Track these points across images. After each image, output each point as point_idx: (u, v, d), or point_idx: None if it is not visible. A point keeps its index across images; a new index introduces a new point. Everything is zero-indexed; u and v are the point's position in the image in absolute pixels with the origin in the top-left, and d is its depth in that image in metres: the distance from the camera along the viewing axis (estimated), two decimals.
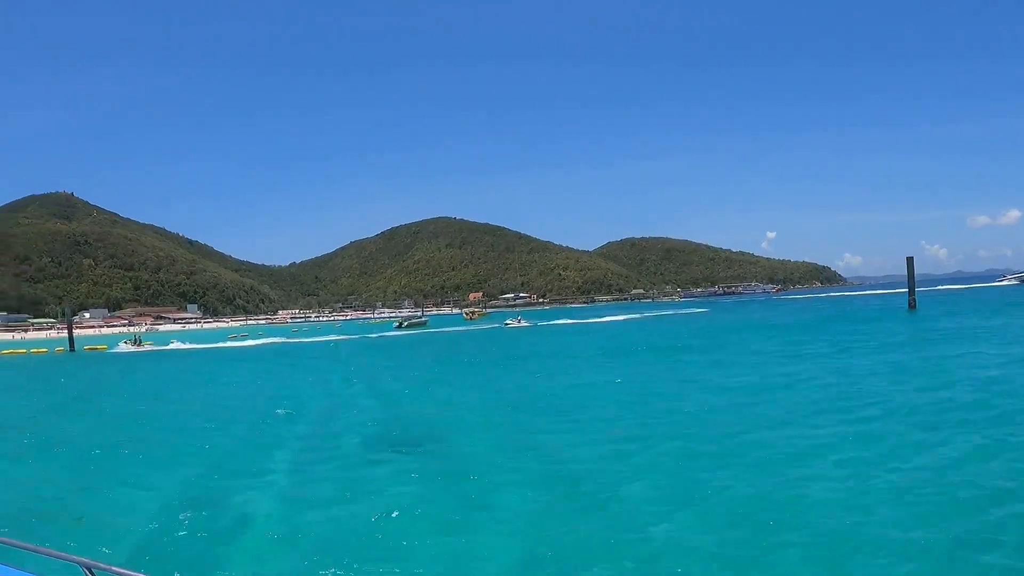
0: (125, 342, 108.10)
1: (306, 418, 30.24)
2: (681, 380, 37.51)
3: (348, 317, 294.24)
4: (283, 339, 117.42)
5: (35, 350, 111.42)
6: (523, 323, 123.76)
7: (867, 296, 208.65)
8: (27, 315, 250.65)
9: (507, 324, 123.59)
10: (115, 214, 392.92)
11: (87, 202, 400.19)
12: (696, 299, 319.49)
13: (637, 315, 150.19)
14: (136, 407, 36.87)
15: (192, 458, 21.86)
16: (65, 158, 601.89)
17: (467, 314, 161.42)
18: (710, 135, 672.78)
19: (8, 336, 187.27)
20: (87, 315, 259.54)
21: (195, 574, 11.93)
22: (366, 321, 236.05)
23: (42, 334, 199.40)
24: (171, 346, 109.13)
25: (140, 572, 2.60)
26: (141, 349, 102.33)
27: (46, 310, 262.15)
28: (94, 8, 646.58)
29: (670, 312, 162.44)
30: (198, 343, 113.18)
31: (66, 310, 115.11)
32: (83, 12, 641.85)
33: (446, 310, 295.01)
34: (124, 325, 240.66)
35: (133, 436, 26.59)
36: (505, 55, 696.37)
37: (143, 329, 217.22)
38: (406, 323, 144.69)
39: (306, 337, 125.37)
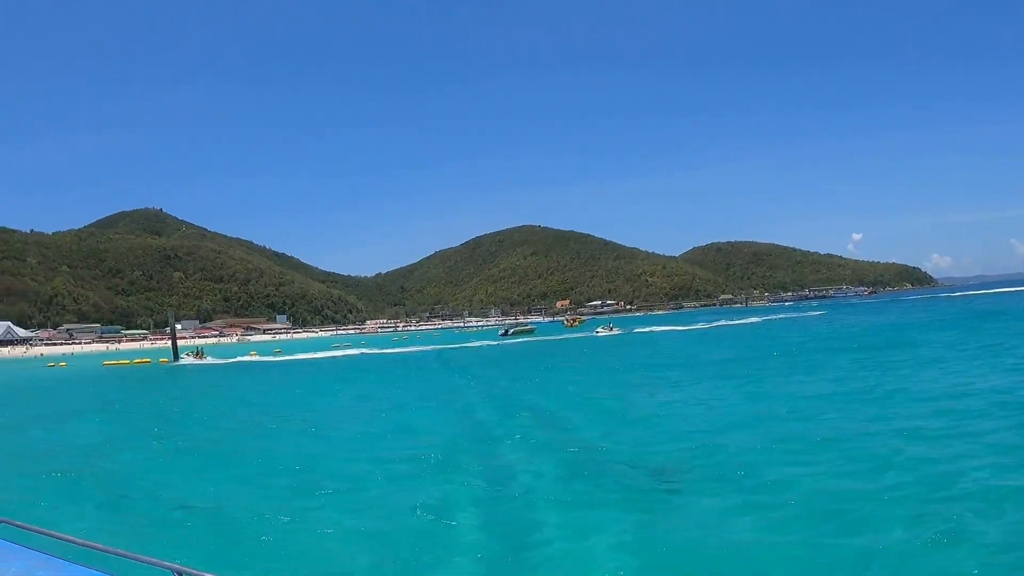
0: (187, 354, 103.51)
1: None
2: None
3: (441, 326, 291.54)
4: (388, 349, 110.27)
5: (137, 360, 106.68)
6: (615, 330, 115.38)
7: (982, 296, 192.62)
8: (120, 327, 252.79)
9: (598, 332, 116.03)
10: (203, 228, 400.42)
11: (176, 217, 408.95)
12: (787, 303, 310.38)
13: (744, 320, 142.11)
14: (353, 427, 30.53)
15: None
16: (154, 175, 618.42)
17: (568, 321, 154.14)
18: (794, 137, 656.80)
19: (103, 347, 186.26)
20: (179, 326, 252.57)
21: None
22: (463, 329, 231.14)
23: (135, 344, 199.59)
24: (248, 358, 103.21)
25: None
26: (203, 362, 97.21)
27: (138, 322, 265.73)
28: (180, 28, 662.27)
29: (780, 316, 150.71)
30: (290, 354, 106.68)
31: (170, 321, 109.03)
32: (168, 32, 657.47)
33: (534, 318, 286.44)
34: (215, 336, 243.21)
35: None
36: (584, 62, 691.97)
37: (233, 340, 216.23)
38: (512, 330, 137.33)
39: (410, 346, 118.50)
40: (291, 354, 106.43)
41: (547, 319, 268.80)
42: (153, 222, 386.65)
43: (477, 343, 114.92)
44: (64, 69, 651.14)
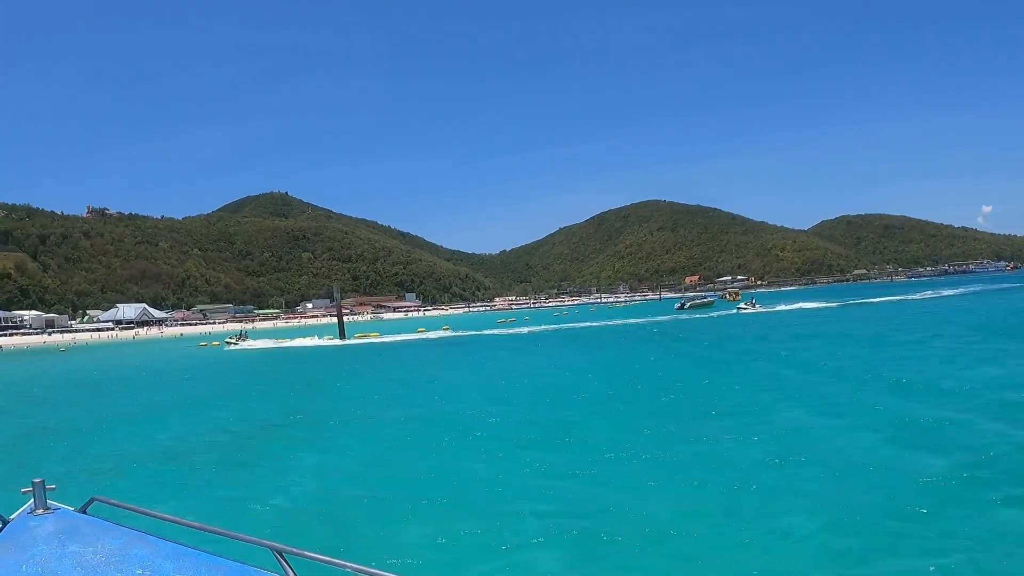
0: (231, 339, 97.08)
1: None
2: None
3: (577, 302, 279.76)
4: (554, 326, 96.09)
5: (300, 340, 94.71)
6: (758, 307, 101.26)
7: None
8: (252, 306, 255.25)
9: (740, 309, 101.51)
10: (328, 210, 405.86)
11: (301, 200, 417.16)
12: (924, 279, 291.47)
13: (910, 295, 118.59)
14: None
15: None
16: (278, 161, 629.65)
17: (731, 295, 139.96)
18: (925, 97, 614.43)
19: (237, 326, 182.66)
20: (309, 305, 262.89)
21: None
22: (612, 304, 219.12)
23: (268, 324, 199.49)
24: (417, 335, 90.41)
25: (333, 557, 2.66)
26: (250, 345, 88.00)
27: (269, 302, 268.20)
28: (305, 23, 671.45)
29: (954, 292, 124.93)
30: (464, 330, 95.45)
31: (336, 297, 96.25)
32: (293, 27, 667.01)
33: (665, 294, 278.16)
34: (347, 314, 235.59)
35: None
36: (707, 31, 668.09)
37: (366, 318, 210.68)
38: (688, 304, 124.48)
39: (577, 322, 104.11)
40: (462, 330, 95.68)
41: (675, 295, 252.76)
42: (279, 205, 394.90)
43: (657, 317, 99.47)
44: (195, 67, 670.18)
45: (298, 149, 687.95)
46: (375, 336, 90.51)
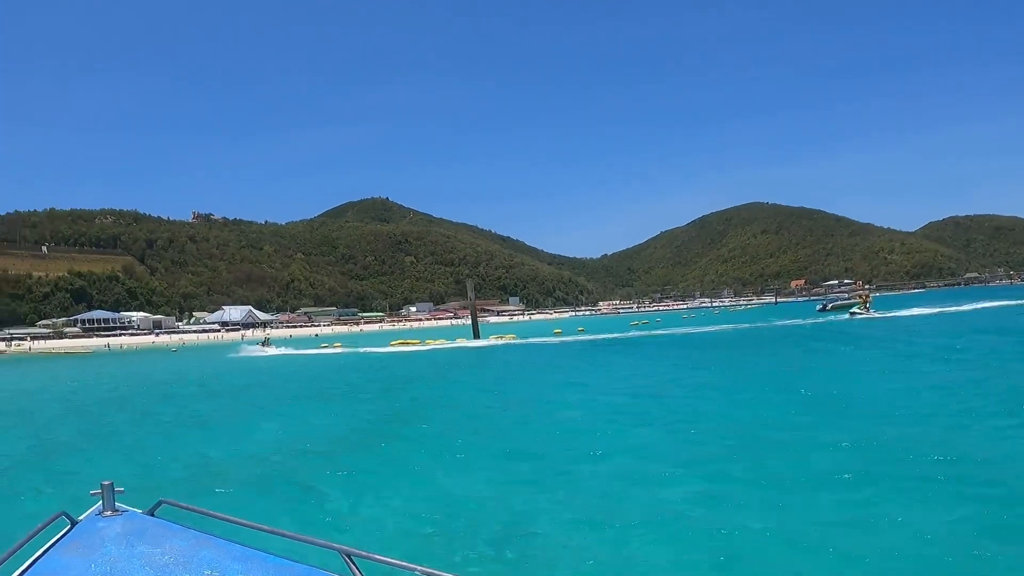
0: (260, 344, 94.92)
1: None
2: None
3: (684, 306, 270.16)
4: (691, 329, 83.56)
5: (428, 341, 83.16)
6: (873, 313, 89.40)
7: None
8: (356, 309, 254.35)
9: (854, 314, 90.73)
10: (429, 215, 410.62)
11: (401, 205, 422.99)
12: None
13: None
14: None
15: None
16: (379, 166, 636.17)
17: (863, 297, 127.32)
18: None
19: (344, 329, 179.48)
20: (413, 309, 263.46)
21: None
22: (732, 308, 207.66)
23: (374, 326, 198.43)
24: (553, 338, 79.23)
25: (399, 560, 2.72)
26: (273, 352, 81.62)
27: (372, 305, 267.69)
28: (401, 25, 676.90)
29: None
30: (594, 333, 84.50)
31: (469, 293, 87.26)
32: (391, 29, 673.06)
33: (768, 299, 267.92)
34: (450, 318, 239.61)
35: None
36: (810, 27, 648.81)
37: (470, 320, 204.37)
38: (831, 305, 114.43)
39: (706, 325, 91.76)
40: (597, 333, 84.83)
41: (781, 299, 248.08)
42: (380, 210, 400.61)
43: (800, 320, 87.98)
44: (296, 72, 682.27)
45: (398, 154, 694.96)
46: (511, 337, 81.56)
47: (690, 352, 47.28)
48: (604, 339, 72.71)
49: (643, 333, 79.71)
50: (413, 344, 77.11)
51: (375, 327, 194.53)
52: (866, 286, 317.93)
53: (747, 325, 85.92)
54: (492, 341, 76.36)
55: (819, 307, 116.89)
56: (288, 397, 31.84)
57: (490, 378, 37.24)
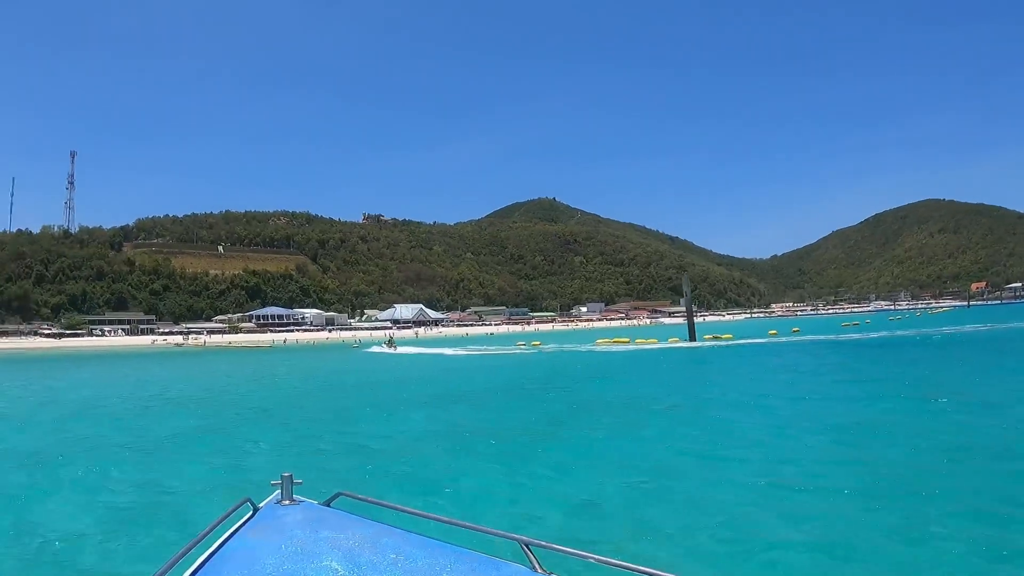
0: (380, 344, 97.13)
1: None
2: None
3: (864, 309, 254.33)
4: (906, 331, 71.92)
5: (639, 340, 78.14)
6: None
7: None
8: (526, 308, 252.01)
9: None
10: (596, 215, 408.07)
11: (567, 205, 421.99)
12: None
13: None
14: None
15: None
16: (545, 166, 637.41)
17: None
18: None
19: (508, 329, 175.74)
20: (583, 309, 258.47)
21: None
22: (931, 310, 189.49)
23: (547, 326, 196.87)
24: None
25: (577, 549, 2.79)
26: (396, 351, 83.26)
27: (543, 305, 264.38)
28: (568, 22, 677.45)
29: None
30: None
31: (685, 291, 76.92)
32: (569, 31, 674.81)
33: (947, 303, 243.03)
34: (621, 318, 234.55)
35: None
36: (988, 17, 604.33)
37: (644, 322, 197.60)
38: None
39: (918, 327, 78.26)
40: (809, 335, 74.75)
41: (960, 303, 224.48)
42: (547, 210, 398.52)
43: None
44: (463, 75, 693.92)
45: (563, 154, 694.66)
46: (728, 337, 73.00)
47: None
48: (820, 339, 64.61)
49: (857, 336, 69.02)
50: (622, 342, 72.23)
51: (548, 327, 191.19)
52: None
53: (972, 327, 72.05)
54: (707, 342, 66.83)
55: None
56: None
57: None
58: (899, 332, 69.98)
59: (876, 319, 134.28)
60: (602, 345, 70.99)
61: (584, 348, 68.23)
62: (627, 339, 75.97)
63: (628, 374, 36.05)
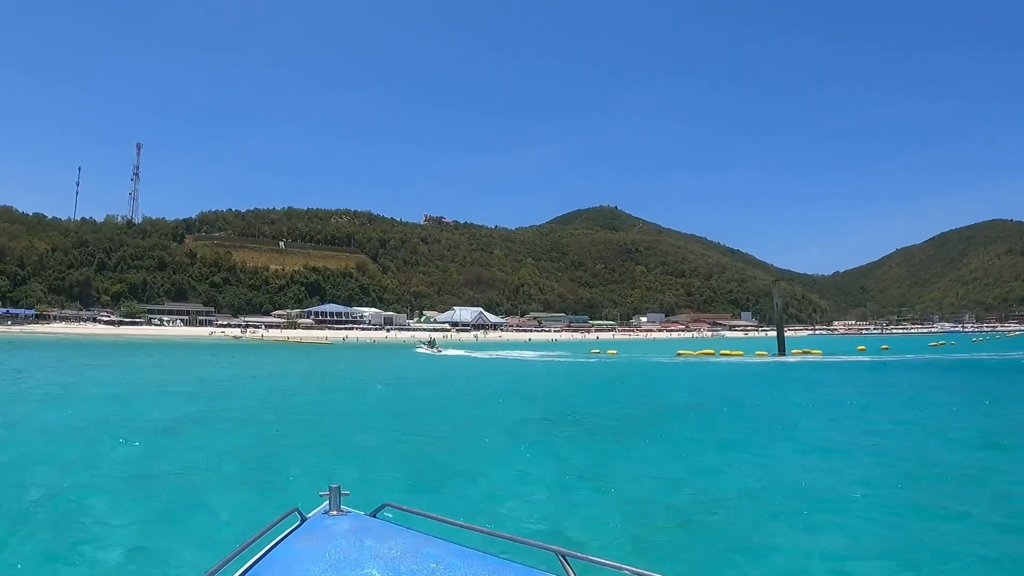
0: (422, 345, 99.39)
1: None
2: None
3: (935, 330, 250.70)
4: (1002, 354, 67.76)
5: (723, 352, 73.38)
6: None
7: None
8: (586, 316, 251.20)
9: None
10: (657, 225, 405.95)
11: (629, 214, 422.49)
12: None
13: None
14: None
15: None
16: (606, 174, 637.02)
17: None
18: None
19: (565, 336, 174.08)
20: (643, 319, 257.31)
21: None
22: (1008, 334, 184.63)
23: (609, 335, 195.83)
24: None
25: (615, 561, 2.86)
26: (440, 353, 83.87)
27: (603, 313, 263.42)
28: (628, 33, 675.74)
29: None
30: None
31: (776, 301, 74.21)
32: (616, 36, 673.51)
33: (1013, 327, 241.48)
34: (681, 330, 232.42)
35: None
36: None
37: (704, 334, 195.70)
38: None
39: (1003, 351, 73.94)
40: (896, 354, 71.82)
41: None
42: (608, 219, 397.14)
43: None
44: (524, 82, 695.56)
45: (627, 163, 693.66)
46: (818, 353, 70.28)
47: None
48: (908, 359, 60.69)
49: (951, 356, 65.39)
50: (707, 353, 70.75)
51: (608, 335, 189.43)
52: None
53: None
54: (795, 357, 64.41)
55: None
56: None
57: None
58: (992, 354, 66.17)
59: (960, 340, 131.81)
60: (684, 356, 68.89)
61: (666, 359, 65.50)
62: (711, 351, 73.53)
63: (748, 393, 29.68)
